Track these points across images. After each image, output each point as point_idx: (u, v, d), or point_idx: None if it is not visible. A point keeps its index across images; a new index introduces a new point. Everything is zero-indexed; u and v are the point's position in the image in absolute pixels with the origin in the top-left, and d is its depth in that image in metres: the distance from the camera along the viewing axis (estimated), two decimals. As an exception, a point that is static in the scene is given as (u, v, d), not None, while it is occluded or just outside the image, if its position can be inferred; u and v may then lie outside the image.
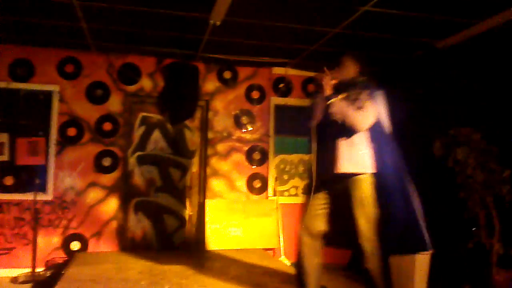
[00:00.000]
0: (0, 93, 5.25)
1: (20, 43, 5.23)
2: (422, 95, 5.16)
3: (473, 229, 4.09)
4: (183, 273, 4.23)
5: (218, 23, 4.32)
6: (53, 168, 5.28)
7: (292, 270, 4.55)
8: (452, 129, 4.42)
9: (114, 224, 5.38)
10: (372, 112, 3.19)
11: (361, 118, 3.13)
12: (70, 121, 5.37)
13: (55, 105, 5.37)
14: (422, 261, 4.43)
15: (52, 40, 5.16)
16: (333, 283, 5.09)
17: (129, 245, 5.45)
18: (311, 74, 6.07)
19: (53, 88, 5.38)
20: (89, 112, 5.44)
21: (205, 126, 5.83)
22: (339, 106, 3.15)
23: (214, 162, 5.78)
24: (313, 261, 3.30)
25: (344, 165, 3.17)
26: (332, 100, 3.16)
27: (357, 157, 3.18)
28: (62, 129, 5.34)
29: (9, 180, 5.17)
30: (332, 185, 3.29)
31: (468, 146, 4.25)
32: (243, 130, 5.90)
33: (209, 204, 5.60)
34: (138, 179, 5.59)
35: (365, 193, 3.17)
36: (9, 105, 5.28)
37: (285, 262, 5.35)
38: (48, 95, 5.37)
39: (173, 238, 5.63)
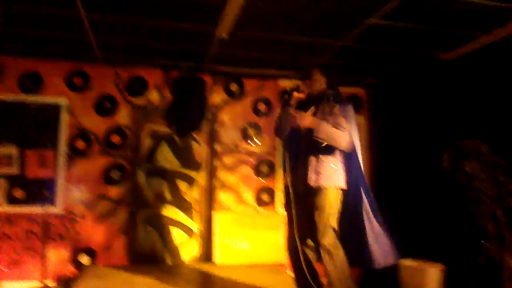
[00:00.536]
0: (9, 105, 5.28)
1: (28, 55, 5.28)
2: (429, 107, 5.16)
3: (483, 242, 4.06)
4: (191, 287, 4.22)
5: (225, 36, 4.35)
6: (62, 181, 5.30)
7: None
8: (459, 142, 4.40)
9: (122, 237, 5.38)
10: (352, 129, 3.28)
11: (345, 138, 3.19)
12: (79, 134, 5.40)
13: (64, 118, 5.40)
14: (433, 275, 4.41)
15: (60, 52, 5.20)
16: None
17: (138, 258, 5.44)
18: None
19: (62, 100, 5.41)
20: (97, 125, 5.47)
21: (212, 138, 5.84)
22: (325, 130, 3.16)
23: (221, 174, 5.78)
24: (310, 269, 3.34)
25: (314, 179, 3.23)
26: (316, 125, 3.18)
27: (327, 172, 3.24)
28: (71, 141, 5.37)
29: (18, 193, 5.19)
30: (305, 198, 3.31)
31: (476, 159, 4.23)
32: (250, 143, 5.91)
33: (217, 217, 5.60)
34: (146, 192, 5.60)
35: (327, 201, 3.22)
36: (18, 117, 5.31)
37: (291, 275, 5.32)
38: (56, 107, 5.40)
39: (181, 251, 5.62)
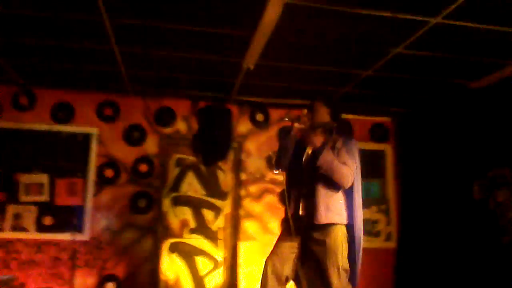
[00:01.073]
0: (42, 135, 5.45)
1: (61, 87, 5.46)
2: (458, 136, 5.08)
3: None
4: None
5: (251, 67, 4.42)
6: (90, 209, 5.38)
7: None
8: (491, 171, 4.31)
9: (148, 265, 5.38)
10: (356, 166, 3.14)
11: (348, 176, 3.06)
12: (108, 163, 5.50)
13: (94, 147, 5.52)
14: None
15: (92, 84, 5.37)
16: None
17: (163, 286, 5.43)
18: (343, 115, 6.07)
19: (92, 130, 5.55)
20: (126, 154, 5.56)
21: (238, 167, 5.87)
22: (327, 159, 3.03)
23: (247, 203, 5.77)
24: None
25: (324, 216, 3.07)
26: (320, 151, 3.05)
27: (334, 207, 3.11)
28: (100, 170, 5.46)
29: (48, 220, 5.28)
30: (307, 231, 3.16)
31: (508, 188, 4.13)
32: (276, 172, 5.90)
33: (242, 246, 5.57)
34: (172, 220, 5.63)
35: (337, 241, 3.07)
36: (50, 147, 5.46)
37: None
38: (87, 137, 5.54)
39: (206, 280, 5.58)
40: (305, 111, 3.30)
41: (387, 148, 6.23)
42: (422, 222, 5.46)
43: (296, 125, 3.21)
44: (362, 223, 3.21)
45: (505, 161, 4.31)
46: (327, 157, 3.05)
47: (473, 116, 4.91)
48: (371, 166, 6.16)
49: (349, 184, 3.09)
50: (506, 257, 3.99)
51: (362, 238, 3.21)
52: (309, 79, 4.93)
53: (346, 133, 3.33)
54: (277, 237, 5.60)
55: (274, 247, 3.30)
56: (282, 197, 3.43)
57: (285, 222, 3.33)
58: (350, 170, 3.08)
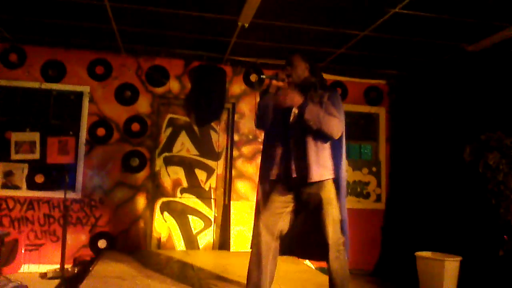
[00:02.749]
0: (32, 93, 5.41)
1: (52, 45, 5.37)
2: (453, 99, 5.08)
3: (505, 236, 3.99)
4: (209, 273, 4.25)
5: (246, 25, 4.35)
6: (82, 167, 5.38)
7: (316, 274, 4.51)
8: (483, 134, 4.34)
9: (140, 223, 5.44)
10: (342, 118, 3.10)
11: (338, 125, 3.04)
12: (100, 122, 5.47)
13: (85, 106, 5.48)
14: (451, 267, 4.36)
15: (83, 42, 5.27)
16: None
17: (155, 244, 5.51)
18: (338, 78, 6.05)
19: (84, 89, 5.49)
20: (118, 113, 5.53)
21: (231, 128, 5.86)
22: (314, 112, 2.99)
23: (239, 164, 5.80)
24: (271, 262, 3.11)
25: (317, 173, 3.04)
26: (304, 106, 2.99)
27: (325, 162, 3.09)
28: (92, 129, 5.44)
29: (39, 178, 5.30)
30: (299, 187, 3.13)
31: (499, 152, 4.16)
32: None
33: (234, 206, 5.62)
34: (164, 180, 5.65)
35: (331, 194, 3.09)
36: (41, 105, 5.45)
37: (309, 266, 5.31)
38: (78, 95, 5.50)
39: (198, 238, 5.66)
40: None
41: (380, 111, 6.24)
42: (411, 184, 5.53)
43: (274, 82, 3.12)
44: (342, 176, 3.20)
45: (497, 124, 4.33)
46: (313, 110, 3.01)
47: (467, 79, 4.90)
48: (364, 129, 6.20)
49: (339, 134, 3.08)
50: (494, 218, 4.07)
51: (345, 188, 3.24)
52: (304, 39, 4.85)
53: (329, 87, 3.25)
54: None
55: (266, 203, 3.21)
56: (265, 156, 3.34)
57: (271, 181, 3.23)
58: (338, 120, 3.06)
